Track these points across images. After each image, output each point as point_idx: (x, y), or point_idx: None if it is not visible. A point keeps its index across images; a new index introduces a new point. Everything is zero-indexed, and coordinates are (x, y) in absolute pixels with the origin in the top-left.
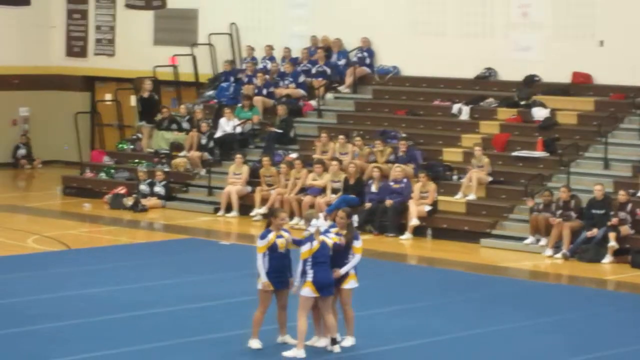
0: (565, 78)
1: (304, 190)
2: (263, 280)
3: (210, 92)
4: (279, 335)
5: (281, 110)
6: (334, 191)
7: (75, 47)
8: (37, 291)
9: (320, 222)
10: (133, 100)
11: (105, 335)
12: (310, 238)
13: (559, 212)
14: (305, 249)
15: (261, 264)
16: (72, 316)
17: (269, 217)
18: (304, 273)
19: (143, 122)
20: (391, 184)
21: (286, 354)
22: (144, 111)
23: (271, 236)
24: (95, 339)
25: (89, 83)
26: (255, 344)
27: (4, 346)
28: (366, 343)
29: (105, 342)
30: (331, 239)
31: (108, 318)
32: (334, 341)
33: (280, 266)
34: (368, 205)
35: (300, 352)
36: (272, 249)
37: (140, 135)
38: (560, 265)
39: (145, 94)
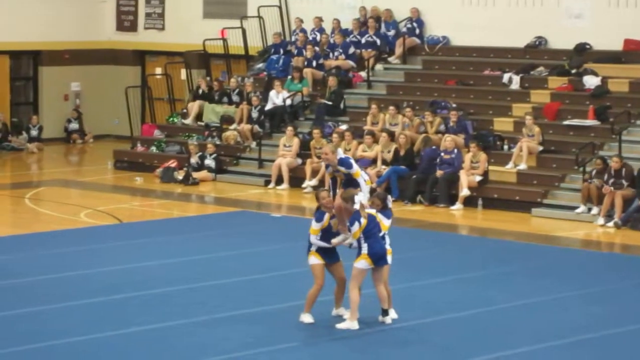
0: (616, 45)
1: (354, 161)
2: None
3: (260, 65)
4: (333, 309)
5: (331, 82)
6: (385, 162)
7: (126, 21)
8: (93, 265)
9: (362, 196)
10: (183, 73)
11: (161, 308)
12: (356, 216)
13: (611, 180)
14: (355, 229)
15: (316, 241)
16: (129, 289)
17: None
18: (358, 248)
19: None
20: (442, 154)
21: (340, 325)
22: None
23: (326, 218)
24: (152, 311)
25: (139, 57)
26: (306, 318)
27: (63, 319)
28: (418, 314)
29: (161, 315)
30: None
31: (163, 291)
32: (385, 312)
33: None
34: (413, 177)
35: (354, 324)
36: (326, 229)
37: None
38: (613, 234)
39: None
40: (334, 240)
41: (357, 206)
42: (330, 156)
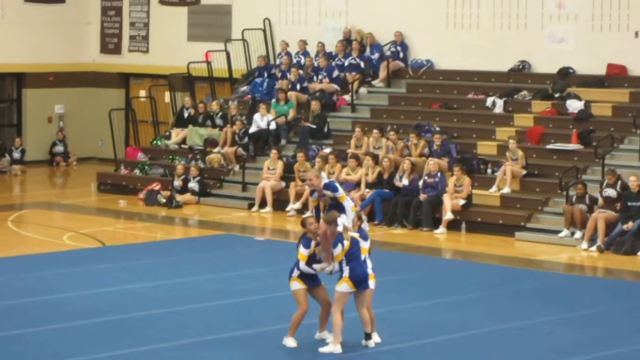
0: (600, 70)
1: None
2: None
3: (244, 88)
4: (317, 332)
5: (314, 106)
6: (368, 185)
7: (110, 44)
8: (76, 287)
9: (344, 219)
10: (167, 96)
11: (145, 331)
12: (339, 238)
13: (607, 191)
14: (337, 251)
15: (305, 267)
16: (112, 312)
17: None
18: (340, 271)
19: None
20: (425, 177)
21: (323, 349)
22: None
23: (312, 245)
24: (135, 334)
25: (123, 79)
26: (290, 342)
27: (46, 342)
28: (401, 337)
29: (144, 338)
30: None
31: (146, 314)
32: (368, 336)
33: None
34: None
35: (337, 348)
36: (312, 255)
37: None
38: (596, 258)
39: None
40: (316, 266)
41: (340, 229)
42: (315, 181)
